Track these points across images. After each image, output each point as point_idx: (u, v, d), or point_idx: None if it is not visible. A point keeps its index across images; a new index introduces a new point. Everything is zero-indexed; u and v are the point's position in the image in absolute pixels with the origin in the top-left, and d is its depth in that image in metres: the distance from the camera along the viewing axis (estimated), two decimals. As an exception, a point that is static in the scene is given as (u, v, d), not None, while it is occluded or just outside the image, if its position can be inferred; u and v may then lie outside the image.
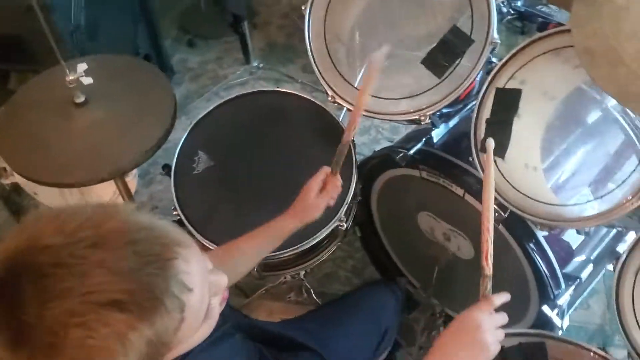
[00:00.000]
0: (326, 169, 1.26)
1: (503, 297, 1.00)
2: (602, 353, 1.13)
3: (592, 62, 0.93)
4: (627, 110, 1.27)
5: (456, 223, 1.59)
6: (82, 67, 1.38)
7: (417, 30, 1.37)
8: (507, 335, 1.16)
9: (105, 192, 2.19)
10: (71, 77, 1.37)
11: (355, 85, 1.42)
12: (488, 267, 0.99)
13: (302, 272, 1.92)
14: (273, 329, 1.32)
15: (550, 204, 1.22)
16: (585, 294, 1.65)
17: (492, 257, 1.00)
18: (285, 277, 1.93)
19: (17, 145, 1.39)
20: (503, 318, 0.98)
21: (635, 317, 1.08)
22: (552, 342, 1.17)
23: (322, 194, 1.24)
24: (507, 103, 1.24)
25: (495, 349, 0.94)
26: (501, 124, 1.24)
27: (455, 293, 1.80)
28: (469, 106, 1.60)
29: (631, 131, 1.27)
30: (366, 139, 2.42)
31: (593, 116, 1.33)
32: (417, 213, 1.68)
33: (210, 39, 2.95)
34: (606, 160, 1.28)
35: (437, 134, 1.57)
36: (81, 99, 1.40)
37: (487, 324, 0.94)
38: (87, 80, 1.38)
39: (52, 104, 1.43)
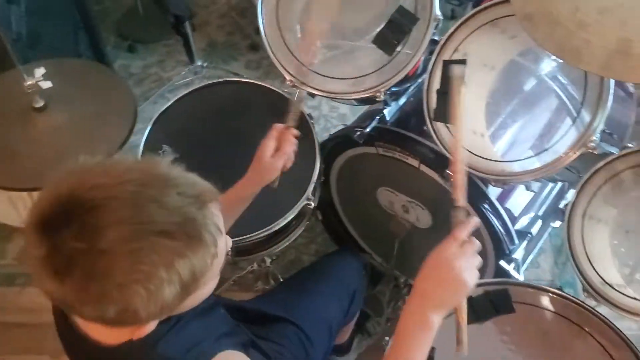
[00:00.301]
0: (278, 126, 1.26)
1: (473, 225, 0.99)
2: (560, 292, 1.25)
3: (532, 26, 1.03)
4: (559, 76, 1.39)
5: (414, 194, 1.68)
6: (39, 71, 1.39)
7: (366, 13, 1.45)
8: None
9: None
10: (29, 82, 1.38)
11: (312, 68, 1.49)
12: (463, 201, 1.00)
13: (269, 260, 1.98)
14: (246, 305, 1.35)
15: (499, 161, 1.32)
16: (536, 250, 1.77)
17: (464, 188, 1.01)
18: (252, 267, 1.98)
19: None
20: (474, 245, 0.98)
21: (587, 254, 1.19)
22: (514, 287, 1.27)
23: (277, 153, 1.24)
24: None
25: (472, 280, 0.95)
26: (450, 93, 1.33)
27: (416, 262, 1.88)
28: (415, 84, 1.70)
29: (564, 96, 1.39)
30: (317, 128, 2.49)
31: (529, 84, 1.44)
32: (375, 189, 1.76)
33: (150, 43, 2.95)
34: (544, 123, 1.39)
35: (389, 112, 1.66)
36: (40, 103, 1.41)
37: (460, 257, 0.95)
38: (46, 84, 1.39)
39: (10, 110, 1.43)
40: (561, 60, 1.33)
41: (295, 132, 1.29)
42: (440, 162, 1.48)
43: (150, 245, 0.69)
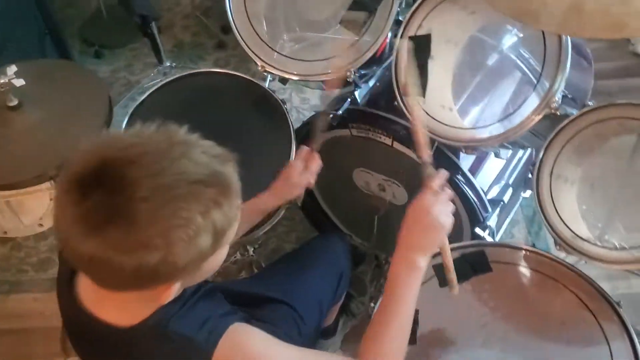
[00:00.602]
0: (305, 149, 1.35)
1: (442, 176, 1.08)
2: (533, 249, 1.31)
3: (490, -7, 1.09)
4: (521, 50, 1.44)
5: (389, 172, 1.73)
6: (11, 69, 1.40)
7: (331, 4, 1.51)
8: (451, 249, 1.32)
9: (40, 204, 2.18)
10: (2, 81, 1.39)
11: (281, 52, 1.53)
12: (426, 155, 1.08)
13: (251, 249, 2.01)
14: (239, 288, 1.39)
15: (467, 129, 1.38)
16: (509, 218, 1.84)
17: (427, 145, 1.09)
18: (235, 257, 2.01)
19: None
20: (446, 194, 1.07)
21: (556, 211, 1.25)
22: (490, 248, 1.33)
23: (304, 171, 1.33)
24: (421, 47, 1.38)
25: (449, 222, 1.04)
26: (418, 67, 1.39)
27: (395, 239, 1.95)
28: (383, 66, 1.75)
29: (525, 67, 1.45)
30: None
31: (492, 59, 1.50)
32: (352, 171, 1.81)
33: (116, 48, 2.95)
34: (509, 94, 1.45)
35: (360, 94, 1.70)
36: (14, 102, 1.42)
37: (434, 204, 1.03)
38: (19, 82, 1.40)
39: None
40: (521, 35, 1.40)
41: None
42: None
43: (188, 192, 0.75)
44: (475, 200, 1.58)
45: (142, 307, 0.88)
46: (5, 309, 2.11)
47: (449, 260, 1.13)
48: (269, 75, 1.75)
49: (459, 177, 1.59)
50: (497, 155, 1.55)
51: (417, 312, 1.24)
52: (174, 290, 0.84)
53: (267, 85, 1.69)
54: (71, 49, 2.73)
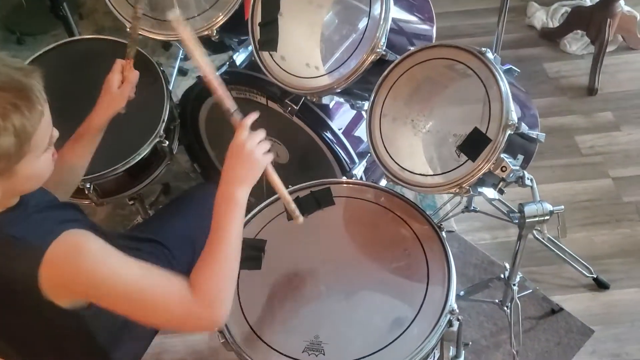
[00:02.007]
0: (120, 61, 1.42)
1: (252, 117, 1.18)
2: (368, 182, 1.44)
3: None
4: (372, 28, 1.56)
5: (269, 132, 1.83)
6: None
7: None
8: (300, 189, 1.45)
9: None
10: None
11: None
12: (230, 105, 1.18)
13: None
14: (121, 233, 1.50)
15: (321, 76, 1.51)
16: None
17: (230, 98, 1.19)
18: (136, 220, 2.11)
19: None
20: (261, 133, 1.18)
21: (384, 146, 1.39)
22: (335, 185, 1.46)
23: (123, 84, 1.40)
24: (270, 6, 1.51)
25: (264, 158, 1.15)
26: (269, 24, 1.51)
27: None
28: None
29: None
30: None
31: (363, 23, 1.62)
32: (237, 132, 1.92)
33: (38, 34, 3.03)
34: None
35: (238, 58, 1.83)
36: None
37: (249, 141, 1.14)
38: None
39: None
40: None
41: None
42: (285, 96, 1.66)
43: None
44: (342, 152, 1.72)
45: None
46: None
47: (283, 193, 1.24)
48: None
49: (328, 134, 1.72)
50: (352, 107, 1.68)
51: (265, 241, 1.38)
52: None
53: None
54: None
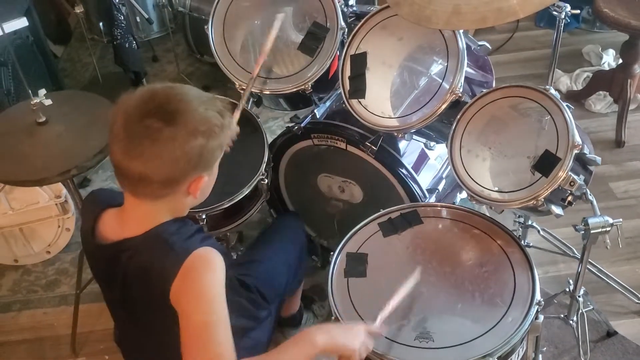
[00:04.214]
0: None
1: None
2: (452, 204, 1.68)
3: (399, 7, 1.53)
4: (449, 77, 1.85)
5: (347, 174, 2.10)
6: (42, 92, 1.79)
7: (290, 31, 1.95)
8: (392, 211, 1.69)
9: (50, 231, 2.50)
10: (35, 101, 1.76)
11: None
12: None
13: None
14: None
15: (394, 117, 1.79)
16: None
17: None
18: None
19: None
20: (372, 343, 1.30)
21: (467, 171, 1.63)
22: (421, 208, 1.70)
23: None
24: (359, 62, 1.81)
25: (360, 354, 1.24)
26: (358, 77, 1.81)
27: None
28: (338, 91, 2.17)
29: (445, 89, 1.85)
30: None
31: (422, 81, 1.91)
32: (316, 178, 2.17)
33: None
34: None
35: (319, 111, 2.11)
36: (42, 119, 1.79)
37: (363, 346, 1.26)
38: (48, 102, 1.78)
39: (21, 125, 1.81)
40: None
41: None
42: (362, 140, 1.92)
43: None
44: (416, 187, 1.96)
45: (159, 217, 1.22)
46: (18, 324, 2.38)
47: None
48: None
49: (403, 170, 1.97)
50: (427, 146, 1.94)
51: (366, 254, 1.60)
52: (201, 185, 1.21)
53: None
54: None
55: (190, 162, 1.16)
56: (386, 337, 1.38)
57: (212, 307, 1.12)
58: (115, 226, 1.27)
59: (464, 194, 2.17)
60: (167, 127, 1.11)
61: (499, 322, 1.39)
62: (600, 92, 3.03)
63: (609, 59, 3.27)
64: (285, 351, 1.18)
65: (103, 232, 1.28)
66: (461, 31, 1.67)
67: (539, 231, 2.21)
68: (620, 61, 2.94)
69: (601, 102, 3.03)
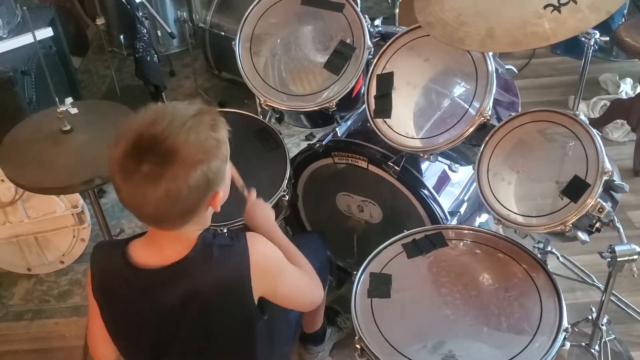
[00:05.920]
0: None
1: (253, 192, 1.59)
2: (476, 228, 1.66)
3: (432, 29, 1.53)
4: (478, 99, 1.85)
5: (366, 193, 2.09)
6: (68, 100, 1.79)
7: (316, 49, 1.96)
8: (416, 232, 1.68)
9: (65, 241, 2.49)
10: (61, 109, 1.77)
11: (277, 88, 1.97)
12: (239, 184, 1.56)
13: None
14: None
15: (423, 138, 1.78)
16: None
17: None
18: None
19: (23, 168, 1.76)
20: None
21: (494, 195, 1.62)
22: (446, 230, 1.68)
23: None
24: (385, 82, 1.81)
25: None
26: (384, 96, 1.81)
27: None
28: (359, 111, 2.17)
29: (466, 105, 1.85)
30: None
31: (445, 103, 1.92)
32: (335, 196, 2.17)
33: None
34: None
35: (340, 129, 2.12)
36: (67, 127, 1.79)
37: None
38: (74, 110, 1.78)
39: (46, 133, 1.81)
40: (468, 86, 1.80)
41: None
42: (384, 159, 1.92)
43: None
44: (437, 209, 1.95)
45: (193, 235, 1.23)
46: (30, 333, 2.36)
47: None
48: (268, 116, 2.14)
49: (425, 191, 1.96)
50: (450, 168, 1.93)
51: (390, 275, 1.58)
52: (219, 197, 1.21)
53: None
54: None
55: (199, 190, 1.15)
56: (410, 359, 1.37)
57: (287, 271, 1.35)
58: (154, 253, 1.26)
59: (483, 218, 2.18)
60: (165, 169, 1.10)
61: (525, 347, 1.37)
62: (618, 120, 3.02)
63: (627, 88, 3.27)
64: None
65: (141, 260, 1.26)
66: (490, 54, 1.67)
67: (558, 257, 2.19)
68: (639, 90, 2.94)
69: (619, 131, 3.03)
